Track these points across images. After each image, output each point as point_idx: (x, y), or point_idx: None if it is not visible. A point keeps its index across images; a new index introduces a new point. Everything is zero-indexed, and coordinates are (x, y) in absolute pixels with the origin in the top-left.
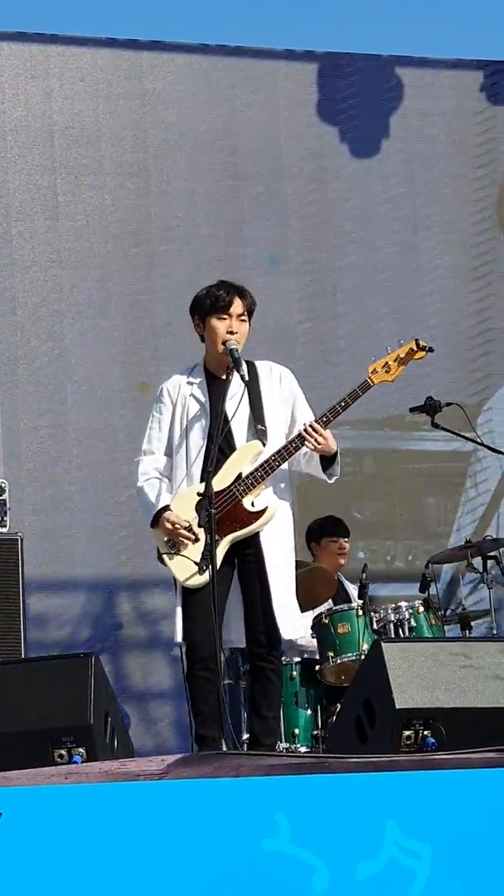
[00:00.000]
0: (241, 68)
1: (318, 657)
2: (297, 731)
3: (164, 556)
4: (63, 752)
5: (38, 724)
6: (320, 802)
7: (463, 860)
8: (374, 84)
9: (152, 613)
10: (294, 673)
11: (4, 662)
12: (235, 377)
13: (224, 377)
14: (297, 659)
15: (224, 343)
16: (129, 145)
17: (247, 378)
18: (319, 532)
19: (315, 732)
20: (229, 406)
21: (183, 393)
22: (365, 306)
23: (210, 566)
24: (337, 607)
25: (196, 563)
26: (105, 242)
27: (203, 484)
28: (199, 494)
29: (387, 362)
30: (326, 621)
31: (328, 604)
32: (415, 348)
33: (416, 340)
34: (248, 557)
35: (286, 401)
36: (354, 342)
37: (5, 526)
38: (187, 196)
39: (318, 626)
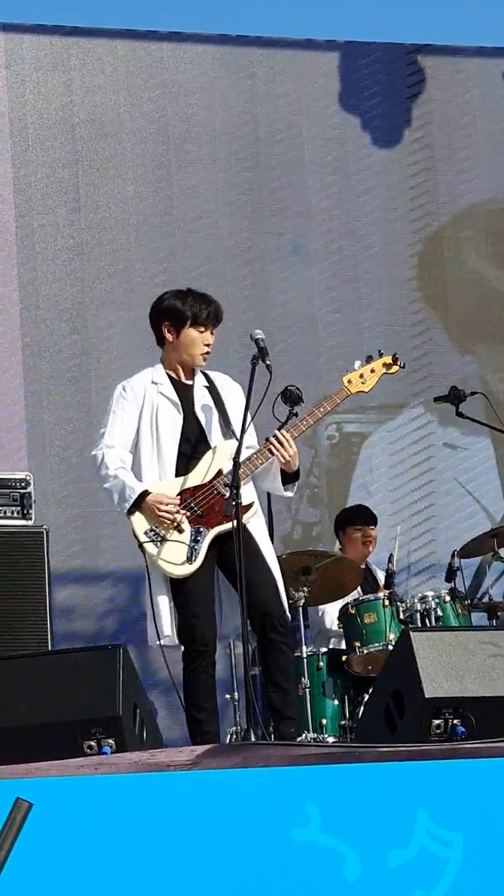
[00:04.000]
0: (261, 58)
1: (344, 647)
2: (324, 721)
3: (147, 545)
4: (92, 743)
5: (68, 716)
6: (351, 792)
7: (494, 848)
8: (396, 73)
9: None
10: (321, 663)
11: (33, 654)
12: (198, 381)
13: (189, 382)
14: (324, 649)
15: (251, 335)
16: (150, 137)
17: (272, 368)
18: (344, 521)
19: (342, 722)
20: (200, 408)
21: (149, 392)
22: (389, 296)
23: (207, 552)
24: (363, 597)
25: (188, 549)
26: (127, 234)
27: (180, 480)
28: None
29: (362, 373)
30: (353, 612)
31: (355, 593)
32: (390, 362)
33: (394, 355)
34: (234, 545)
35: (239, 412)
36: (378, 332)
37: (31, 518)
38: (209, 187)
39: (344, 617)
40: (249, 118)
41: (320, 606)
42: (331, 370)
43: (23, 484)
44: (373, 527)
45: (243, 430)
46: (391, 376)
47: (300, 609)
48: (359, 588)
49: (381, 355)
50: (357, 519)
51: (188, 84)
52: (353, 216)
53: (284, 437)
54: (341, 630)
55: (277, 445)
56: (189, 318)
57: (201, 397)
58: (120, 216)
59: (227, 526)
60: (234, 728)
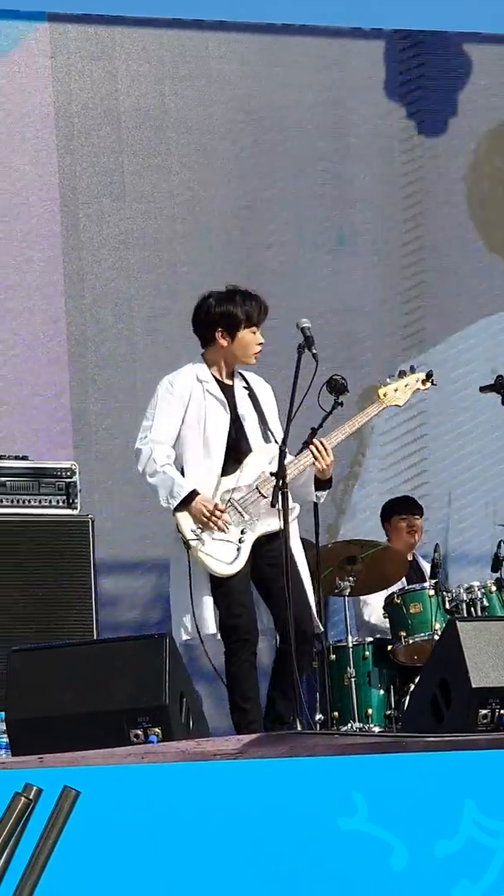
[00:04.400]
0: (307, 47)
1: (390, 637)
2: (370, 710)
3: (194, 543)
4: (139, 732)
5: (114, 705)
6: (397, 781)
7: None
8: (442, 61)
9: None
10: (367, 653)
11: (79, 643)
12: (238, 382)
13: (230, 382)
14: (370, 639)
15: (297, 324)
16: (195, 126)
17: (318, 357)
18: (390, 511)
19: (388, 712)
20: (243, 409)
21: (195, 390)
22: (434, 286)
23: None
24: (409, 587)
25: (234, 549)
26: (172, 224)
27: (223, 480)
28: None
29: (397, 387)
30: (398, 601)
31: (400, 583)
32: (424, 378)
33: (429, 372)
34: (269, 554)
35: (275, 414)
36: (424, 323)
37: (76, 508)
38: (254, 177)
39: (390, 607)
40: (294, 108)
41: (362, 598)
42: (375, 361)
43: (68, 473)
44: (418, 517)
45: (289, 421)
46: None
47: (345, 599)
48: (403, 579)
49: (413, 371)
50: (403, 509)
51: (233, 74)
52: (399, 206)
53: (324, 445)
54: (381, 624)
55: (319, 452)
56: (243, 320)
57: (242, 399)
58: (165, 205)
59: (271, 528)
60: None
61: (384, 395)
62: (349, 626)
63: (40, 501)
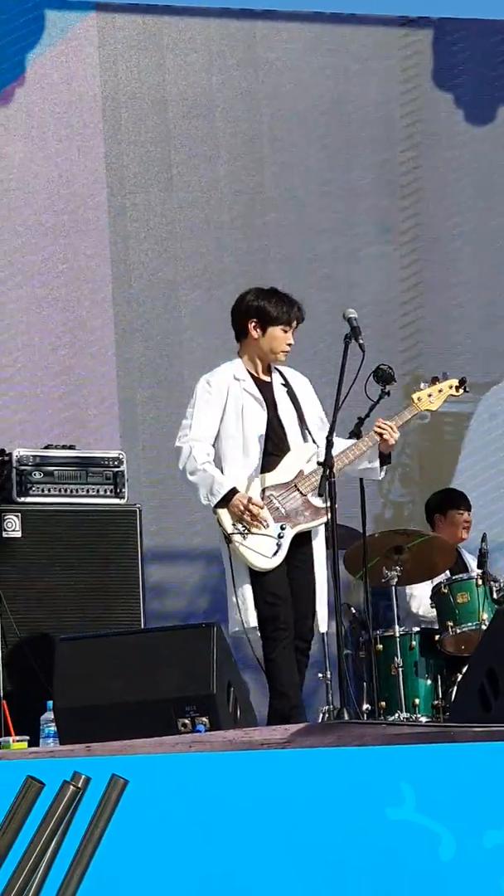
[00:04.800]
0: (355, 36)
1: (437, 627)
2: (417, 700)
3: (236, 537)
4: (187, 721)
5: (162, 694)
6: (445, 771)
7: None
8: (491, 49)
9: None
10: (414, 643)
11: (127, 632)
12: (275, 378)
13: (268, 379)
14: (417, 629)
15: (344, 314)
16: (242, 115)
17: (365, 346)
18: (446, 504)
19: (435, 702)
20: (281, 407)
21: (233, 388)
22: (479, 277)
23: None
24: (456, 577)
25: (275, 543)
26: (219, 213)
27: (262, 477)
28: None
29: (431, 392)
30: (446, 591)
31: (445, 574)
32: (457, 384)
33: (462, 379)
34: (300, 555)
35: (314, 407)
36: (469, 313)
37: (124, 497)
38: (300, 166)
39: (437, 596)
40: (342, 97)
41: (408, 589)
42: (419, 352)
43: (116, 462)
44: (470, 512)
45: (336, 410)
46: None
47: (393, 588)
48: (448, 571)
49: (446, 377)
50: (461, 503)
51: (281, 62)
52: (444, 194)
53: (389, 424)
54: (428, 615)
55: (388, 429)
56: (276, 317)
57: (280, 396)
58: (212, 195)
59: (309, 525)
60: (327, 707)
61: (418, 399)
62: (396, 616)
63: (88, 491)
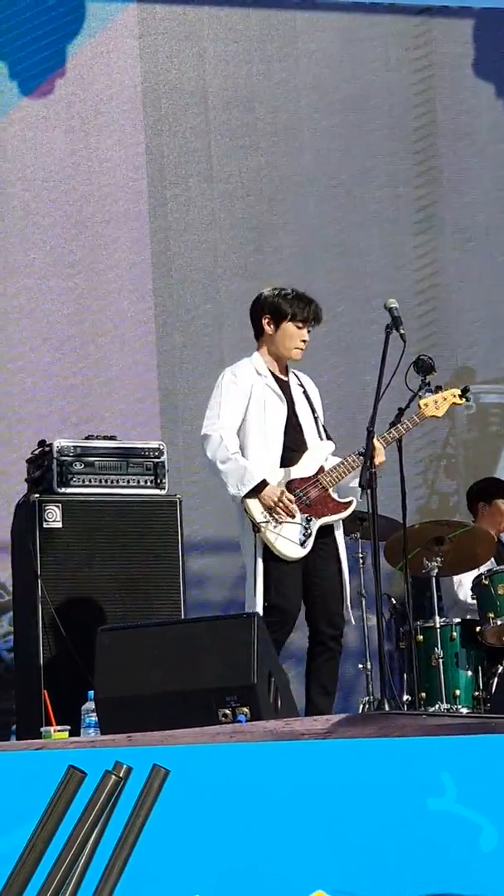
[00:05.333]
0: (395, 26)
1: (478, 618)
2: (457, 692)
3: (265, 526)
4: (227, 711)
5: (203, 684)
6: (486, 762)
7: None
8: None
9: None
10: (454, 634)
11: (168, 623)
12: (292, 379)
13: (285, 378)
14: (458, 620)
15: (385, 304)
16: (282, 106)
17: (406, 337)
18: (490, 492)
19: (476, 693)
20: (299, 405)
21: (256, 383)
22: None
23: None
24: (497, 568)
25: (302, 534)
26: (260, 204)
27: (286, 470)
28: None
29: (437, 399)
30: (487, 582)
31: (489, 564)
32: (459, 394)
33: (464, 388)
34: (322, 546)
35: (321, 413)
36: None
37: (164, 487)
38: (342, 156)
39: (478, 588)
40: (382, 86)
41: (455, 577)
42: (463, 343)
43: (156, 453)
44: None
45: (377, 401)
46: None
47: (433, 579)
48: (492, 560)
49: (449, 386)
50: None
51: (320, 53)
52: (487, 184)
53: (379, 446)
54: (474, 605)
55: (379, 453)
56: (290, 313)
57: (298, 395)
58: (252, 186)
59: (332, 518)
60: (368, 698)
61: (425, 405)
62: (436, 607)
63: (128, 481)
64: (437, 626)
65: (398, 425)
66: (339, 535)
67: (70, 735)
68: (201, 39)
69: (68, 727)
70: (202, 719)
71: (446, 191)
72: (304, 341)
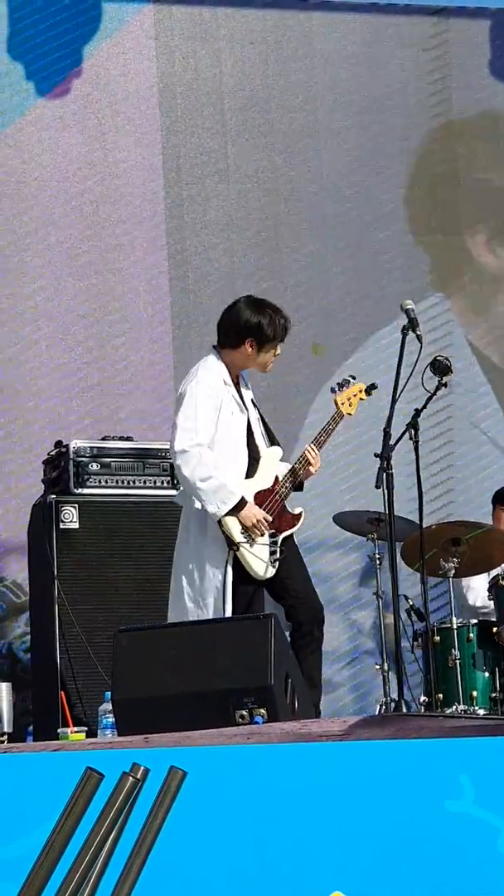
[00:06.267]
0: (411, 26)
1: (494, 618)
2: (475, 693)
3: (243, 545)
4: (244, 712)
5: (220, 686)
6: None
7: None
8: None
9: (330, 576)
10: (471, 635)
11: (185, 624)
12: (242, 382)
13: (237, 383)
14: (475, 621)
15: (401, 305)
16: (298, 107)
17: (422, 338)
18: (499, 499)
19: (494, 695)
20: (251, 412)
21: (224, 393)
22: None
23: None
24: None
25: (271, 552)
26: (276, 204)
27: (249, 482)
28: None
29: (349, 396)
30: (503, 583)
31: None
32: (363, 388)
33: (373, 384)
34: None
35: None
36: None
37: (180, 488)
38: (357, 156)
39: (495, 588)
40: (399, 87)
41: (464, 581)
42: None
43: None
44: None
45: (394, 402)
46: None
47: (450, 580)
48: None
49: (353, 381)
50: None
51: (336, 54)
52: (503, 184)
53: (315, 453)
54: (485, 607)
55: (314, 457)
56: (271, 337)
57: (248, 400)
58: (268, 186)
59: (291, 531)
60: (385, 699)
61: (341, 403)
62: (453, 608)
63: (145, 482)
64: (454, 627)
65: (324, 426)
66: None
67: (87, 736)
68: (217, 40)
69: (85, 728)
70: (219, 721)
71: (462, 191)
72: (276, 354)
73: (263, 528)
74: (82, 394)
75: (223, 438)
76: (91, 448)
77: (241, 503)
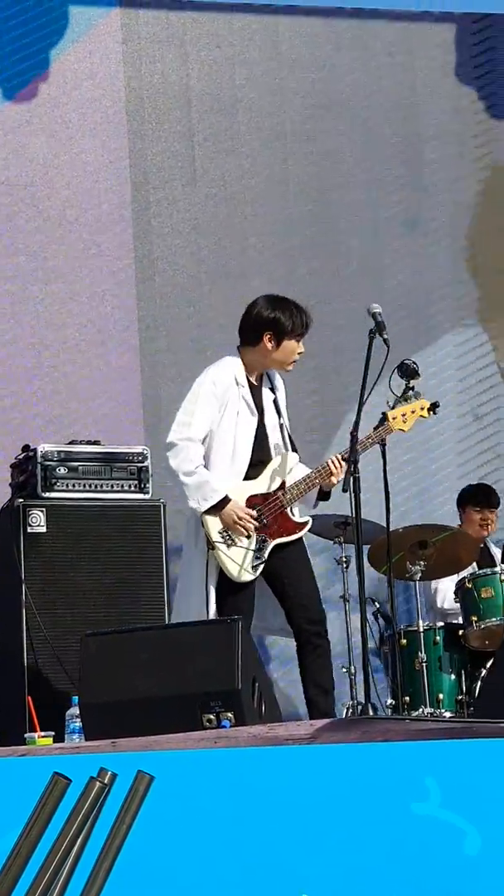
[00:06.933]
0: (377, 31)
1: (460, 621)
2: (441, 695)
3: (219, 546)
4: (212, 716)
5: (187, 689)
6: (470, 767)
7: None
8: None
9: None
10: (438, 637)
11: (152, 628)
12: (264, 382)
13: (258, 384)
14: (441, 624)
15: (368, 309)
16: (265, 110)
17: (389, 342)
18: (466, 499)
19: (459, 697)
20: (268, 415)
21: (233, 393)
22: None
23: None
24: (480, 571)
25: (254, 556)
26: (243, 208)
27: (248, 484)
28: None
29: (404, 412)
30: (470, 586)
31: (471, 568)
32: (428, 407)
33: (434, 403)
34: (285, 553)
35: (286, 413)
36: (494, 306)
37: (148, 492)
38: (325, 160)
39: (461, 591)
40: (365, 91)
41: (433, 583)
42: (444, 345)
43: (140, 458)
44: (494, 509)
45: (361, 406)
46: None
47: (416, 583)
48: (474, 564)
49: (417, 397)
50: (479, 500)
51: (303, 57)
52: (470, 189)
53: (340, 462)
54: (453, 609)
55: (336, 468)
56: (290, 329)
57: (268, 403)
58: (236, 190)
59: (287, 539)
60: (352, 702)
61: (393, 419)
62: (419, 611)
63: (112, 486)
64: (421, 629)
65: (364, 440)
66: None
67: (54, 741)
68: (184, 44)
69: (52, 733)
70: (186, 725)
71: (428, 195)
72: (300, 353)
73: (244, 530)
74: (50, 398)
75: (224, 437)
76: (58, 452)
77: (223, 502)
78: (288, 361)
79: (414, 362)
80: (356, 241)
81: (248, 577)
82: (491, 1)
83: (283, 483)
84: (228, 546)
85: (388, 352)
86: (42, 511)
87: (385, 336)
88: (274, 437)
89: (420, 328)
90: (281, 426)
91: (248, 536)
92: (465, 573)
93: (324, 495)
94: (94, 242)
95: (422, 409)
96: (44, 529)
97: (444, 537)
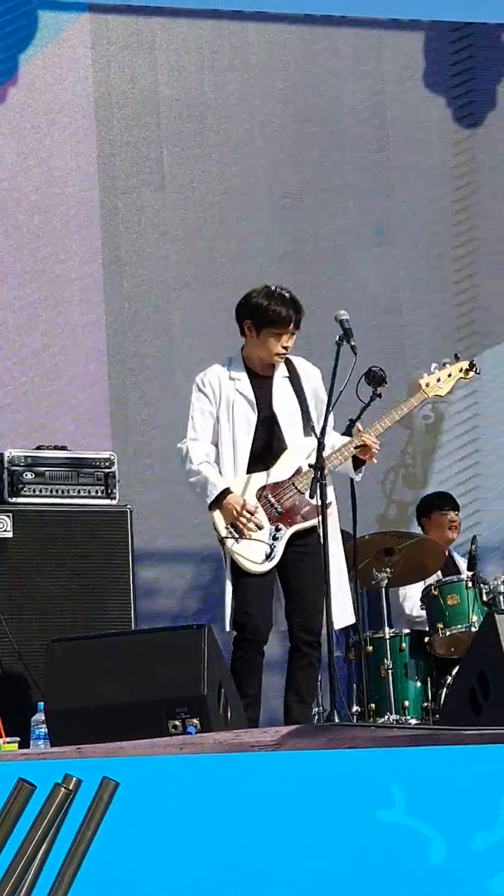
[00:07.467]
0: (346, 38)
1: (427, 629)
2: (406, 703)
3: (228, 541)
4: (177, 722)
5: (153, 696)
6: (436, 774)
7: None
8: (482, 52)
9: None
10: (403, 644)
11: (118, 634)
12: (278, 372)
13: (268, 374)
14: (407, 630)
15: (335, 316)
16: (234, 116)
17: (357, 349)
18: (429, 507)
19: (425, 704)
20: (278, 403)
21: (225, 388)
22: (475, 279)
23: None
24: (446, 579)
25: (268, 547)
26: (211, 214)
27: (254, 476)
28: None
29: (440, 377)
30: (436, 593)
31: (437, 575)
32: (467, 367)
33: (471, 361)
34: (302, 548)
35: (318, 400)
36: (464, 314)
37: (115, 498)
38: (293, 167)
39: (427, 598)
40: (334, 97)
41: (401, 590)
42: (416, 353)
43: (107, 463)
44: (457, 512)
45: (328, 412)
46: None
47: (382, 590)
48: (439, 571)
49: (457, 359)
50: (444, 504)
51: (273, 64)
52: (438, 197)
53: (373, 438)
54: (420, 617)
55: (372, 445)
56: (270, 320)
57: (281, 392)
58: (204, 196)
59: (305, 524)
60: (317, 709)
61: (426, 385)
62: (386, 618)
63: (79, 492)
64: (387, 636)
65: (392, 412)
66: (331, 527)
67: (19, 747)
68: (154, 49)
69: (18, 739)
70: (152, 731)
71: (397, 202)
72: (285, 347)
73: (247, 522)
74: (17, 402)
75: (224, 432)
76: (25, 457)
77: (223, 495)
78: (269, 354)
79: (381, 369)
80: (326, 247)
81: (259, 569)
82: (458, 9)
83: (300, 469)
84: (238, 540)
85: (356, 358)
86: (9, 516)
87: (353, 343)
88: (288, 425)
89: (392, 336)
90: (305, 412)
91: (259, 527)
92: (430, 580)
93: (360, 462)
94: (63, 247)
95: (460, 370)
96: (10, 535)
97: (409, 544)
